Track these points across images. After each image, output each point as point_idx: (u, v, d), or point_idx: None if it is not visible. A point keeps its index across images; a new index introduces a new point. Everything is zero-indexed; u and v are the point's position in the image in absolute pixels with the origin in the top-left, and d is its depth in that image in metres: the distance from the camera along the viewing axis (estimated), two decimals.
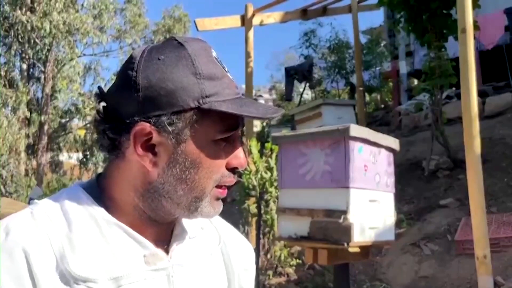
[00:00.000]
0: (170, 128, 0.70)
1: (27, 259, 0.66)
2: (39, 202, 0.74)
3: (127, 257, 0.72)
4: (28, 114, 14.82)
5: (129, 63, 0.73)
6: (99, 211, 0.73)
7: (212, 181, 0.74)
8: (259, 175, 4.74)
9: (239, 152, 0.76)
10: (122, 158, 0.74)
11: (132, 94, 0.70)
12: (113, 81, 0.79)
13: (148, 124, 0.70)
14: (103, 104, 0.75)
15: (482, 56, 9.63)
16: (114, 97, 0.74)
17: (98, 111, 0.75)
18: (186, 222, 0.81)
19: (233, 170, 0.76)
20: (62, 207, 0.72)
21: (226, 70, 0.75)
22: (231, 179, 0.76)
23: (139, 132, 0.70)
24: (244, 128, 0.80)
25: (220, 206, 0.78)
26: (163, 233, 0.79)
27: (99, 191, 0.76)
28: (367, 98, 14.13)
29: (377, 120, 11.53)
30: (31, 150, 15.82)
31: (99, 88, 0.78)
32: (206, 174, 0.73)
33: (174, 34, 17.39)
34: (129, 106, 0.71)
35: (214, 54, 0.75)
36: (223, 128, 0.73)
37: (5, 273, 0.65)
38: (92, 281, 0.68)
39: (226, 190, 0.77)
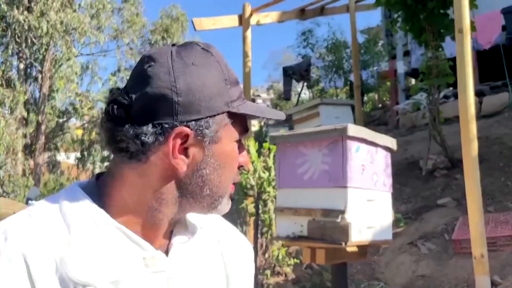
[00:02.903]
0: (206, 131, 0.73)
1: (27, 264, 0.66)
2: (36, 204, 0.73)
3: (126, 260, 0.71)
4: (25, 114, 14.77)
5: (161, 67, 0.72)
6: (99, 213, 0.72)
7: (231, 180, 0.79)
8: (257, 175, 4.74)
9: (245, 151, 0.82)
10: (144, 161, 0.73)
11: (171, 98, 0.71)
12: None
13: (187, 128, 0.71)
14: (123, 108, 0.72)
15: (480, 55, 9.64)
16: (145, 101, 0.71)
17: (119, 116, 0.72)
18: (186, 222, 0.82)
19: (239, 168, 0.81)
20: (61, 209, 0.72)
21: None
22: (238, 177, 0.82)
23: (178, 135, 0.72)
24: None
25: (230, 201, 0.82)
26: (163, 234, 0.79)
27: (99, 192, 0.76)
28: (365, 97, 14.15)
29: (375, 120, 11.53)
30: (29, 150, 15.76)
31: (119, 90, 0.75)
32: (229, 173, 0.78)
33: (172, 33, 17.38)
34: (167, 110, 0.71)
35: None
36: (242, 130, 0.79)
37: (5, 278, 0.65)
38: (92, 285, 0.67)
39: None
